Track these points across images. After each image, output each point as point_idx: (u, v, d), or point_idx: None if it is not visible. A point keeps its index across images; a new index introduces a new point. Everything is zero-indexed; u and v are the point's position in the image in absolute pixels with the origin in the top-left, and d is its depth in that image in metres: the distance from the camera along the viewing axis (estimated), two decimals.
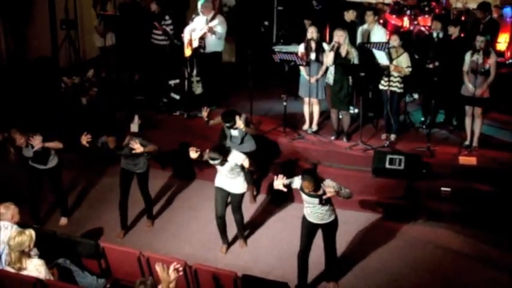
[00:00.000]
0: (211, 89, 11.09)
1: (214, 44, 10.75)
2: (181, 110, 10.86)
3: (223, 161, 7.52)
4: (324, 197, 6.87)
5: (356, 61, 9.43)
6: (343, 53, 9.37)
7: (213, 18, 10.64)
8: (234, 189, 7.83)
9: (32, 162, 8.36)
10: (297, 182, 7.02)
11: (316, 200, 6.90)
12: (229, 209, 8.03)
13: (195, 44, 10.68)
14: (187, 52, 10.87)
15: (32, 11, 12.58)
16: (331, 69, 9.51)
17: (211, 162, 7.55)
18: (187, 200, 9.38)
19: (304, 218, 7.20)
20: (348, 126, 9.86)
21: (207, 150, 7.61)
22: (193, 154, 7.68)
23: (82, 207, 9.21)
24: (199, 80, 11.02)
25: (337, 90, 9.52)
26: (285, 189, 7.12)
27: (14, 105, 11.14)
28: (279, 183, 7.03)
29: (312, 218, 7.10)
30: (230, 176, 7.70)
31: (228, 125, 8.41)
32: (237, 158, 7.59)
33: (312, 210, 7.04)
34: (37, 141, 8.13)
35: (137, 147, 7.90)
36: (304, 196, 7.02)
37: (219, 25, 10.55)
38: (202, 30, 10.57)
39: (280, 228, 8.65)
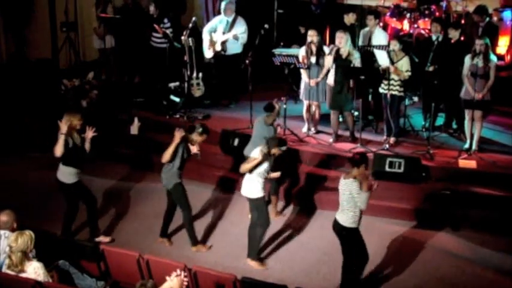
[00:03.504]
0: (232, 88, 11.37)
1: (235, 47, 11.03)
2: (181, 113, 10.88)
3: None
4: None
5: (358, 63, 9.44)
6: (343, 54, 9.40)
7: (234, 20, 10.90)
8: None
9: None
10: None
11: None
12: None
13: (218, 47, 10.82)
14: (209, 53, 10.95)
15: (33, 13, 12.61)
16: (332, 70, 9.54)
17: (282, 149, 7.61)
18: None
19: (356, 229, 7.03)
20: (352, 126, 9.86)
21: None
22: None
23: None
24: (199, 82, 11.04)
25: (338, 91, 9.54)
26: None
27: (13, 105, 11.17)
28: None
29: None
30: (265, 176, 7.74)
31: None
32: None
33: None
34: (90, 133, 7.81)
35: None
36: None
37: (245, 33, 10.83)
38: (226, 36, 10.76)
39: (278, 230, 8.63)
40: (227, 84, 11.34)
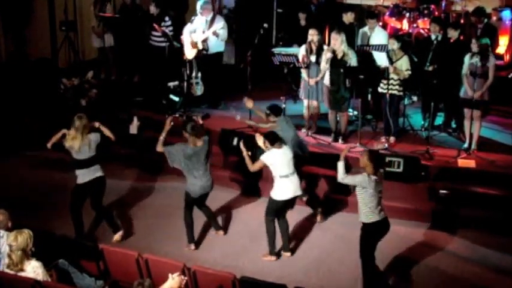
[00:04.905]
0: (216, 88, 11.25)
1: (217, 45, 10.93)
2: (180, 112, 10.88)
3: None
4: None
5: (354, 63, 9.44)
6: (339, 55, 9.41)
7: (212, 20, 10.74)
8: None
9: (79, 168, 7.91)
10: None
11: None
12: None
13: (200, 46, 10.78)
14: (190, 54, 10.92)
15: (32, 12, 12.61)
16: (328, 71, 9.55)
17: None
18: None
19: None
20: (345, 128, 9.88)
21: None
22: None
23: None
24: (198, 81, 11.04)
25: (335, 91, 9.56)
26: None
27: (13, 105, 11.17)
28: None
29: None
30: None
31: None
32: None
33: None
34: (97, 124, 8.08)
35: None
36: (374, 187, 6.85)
37: (223, 28, 10.71)
38: (206, 34, 10.66)
39: (278, 229, 8.63)
40: (214, 83, 11.24)
